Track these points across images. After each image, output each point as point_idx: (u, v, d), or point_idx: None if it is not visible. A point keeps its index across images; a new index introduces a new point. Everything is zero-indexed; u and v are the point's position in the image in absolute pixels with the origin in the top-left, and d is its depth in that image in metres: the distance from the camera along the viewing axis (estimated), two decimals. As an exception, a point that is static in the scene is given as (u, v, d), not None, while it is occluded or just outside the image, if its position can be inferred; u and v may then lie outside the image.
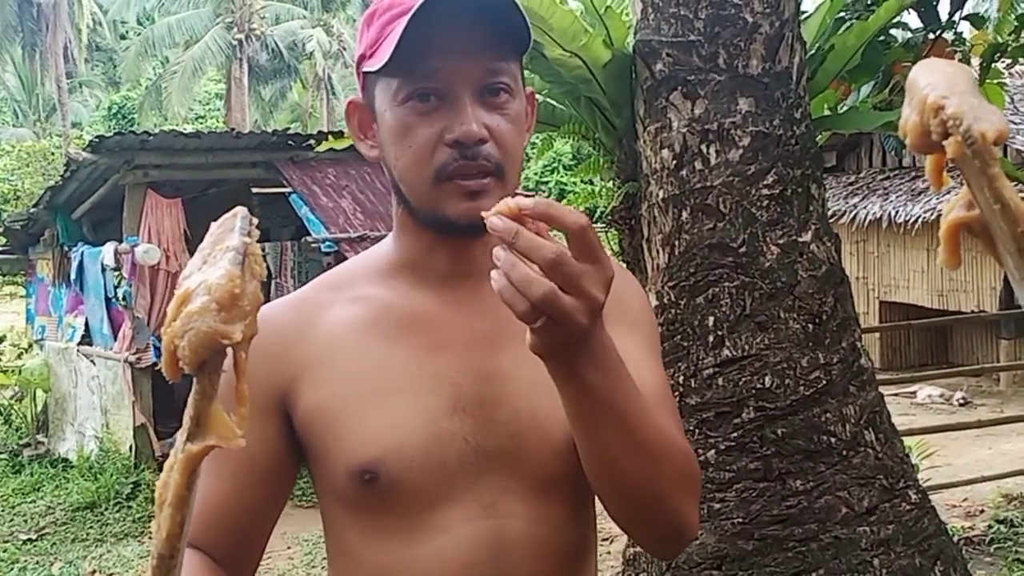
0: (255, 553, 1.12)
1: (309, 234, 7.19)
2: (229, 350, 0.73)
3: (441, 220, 1.04)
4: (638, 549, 2.76)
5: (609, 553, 5.31)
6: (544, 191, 28.91)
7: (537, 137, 3.49)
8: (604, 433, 0.93)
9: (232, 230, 0.76)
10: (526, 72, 3.05)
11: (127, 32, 41.49)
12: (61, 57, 32.65)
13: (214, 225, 0.78)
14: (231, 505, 1.07)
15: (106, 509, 6.82)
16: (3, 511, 7.15)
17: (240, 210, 0.79)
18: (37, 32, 32.83)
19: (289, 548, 5.80)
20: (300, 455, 1.11)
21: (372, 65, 1.04)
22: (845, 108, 3.53)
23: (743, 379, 2.57)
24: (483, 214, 0.84)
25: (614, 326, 1.07)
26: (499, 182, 1.03)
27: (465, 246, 1.09)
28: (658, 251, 2.74)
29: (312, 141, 7.50)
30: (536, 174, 31.71)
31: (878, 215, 9.97)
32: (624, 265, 3.12)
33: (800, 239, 2.63)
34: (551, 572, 1.07)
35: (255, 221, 0.80)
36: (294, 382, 1.08)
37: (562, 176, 31.67)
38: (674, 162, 2.68)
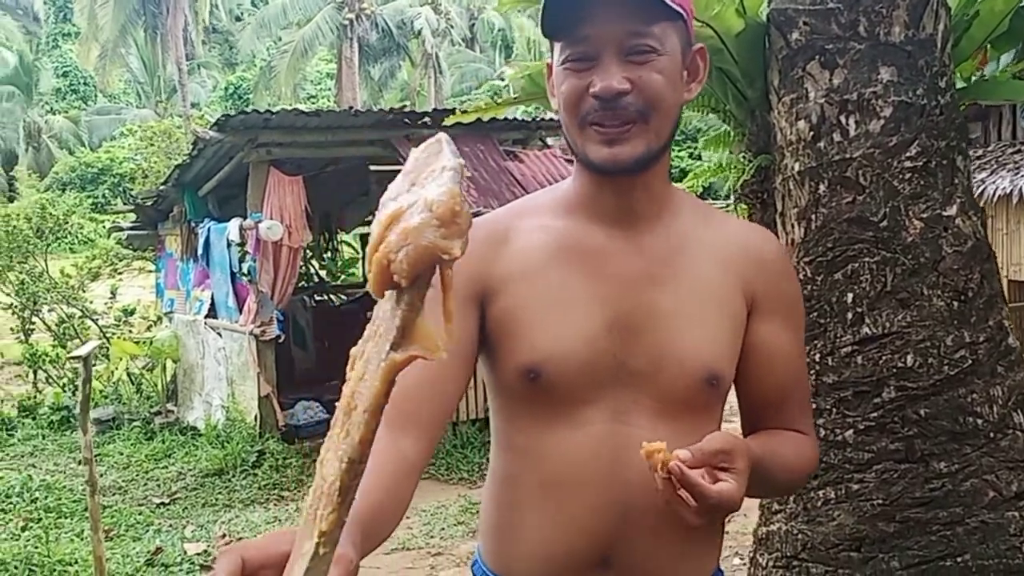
0: (443, 424, 1.29)
1: (425, 210, 7.26)
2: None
3: (587, 162, 1.25)
4: (771, 528, 2.72)
5: (728, 533, 5.27)
6: (652, 166, 28.50)
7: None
8: (763, 497, 1.23)
9: (440, 153, 0.78)
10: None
11: (242, 14, 42.65)
12: (181, 39, 33.80)
13: (416, 151, 0.80)
14: (432, 380, 1.25)
15: (233, 476, 7.09)
16: (137, 475, 7.51)
17: (443, 136, 0.80)
18: (158, 15, 34.06)
19: (408, 518, 5.93)
20: (481, 345, 1.33)
21: (542, 32, 1.24)
22: (981, 77, 3.37)
23: (883, 357, 2.49)
24: (661, 468, 1.13)
25: (770, 316, 1.31)
26: (643, 126, 1.20)
27: (625, 186, 1.27)
28: (793, 225, 2.68)
29: (427, 119, 7.59)
30: (643, 149, 31.27)
31: (1008, 190, 9.51)
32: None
33: (945, 213, 2.54)
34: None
35: None
36: (492, 287, 1.29)
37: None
38: (811, 134, 2.61)
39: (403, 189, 0.76)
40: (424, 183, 0.74)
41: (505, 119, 7.85)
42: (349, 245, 11.82)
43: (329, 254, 11.06)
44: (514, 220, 1.35)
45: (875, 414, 2.49)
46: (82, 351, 4.66)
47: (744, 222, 1.44)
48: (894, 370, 2.47)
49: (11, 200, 21.72)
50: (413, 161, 0.79)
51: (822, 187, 2.60)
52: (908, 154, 2.53)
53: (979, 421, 2.45)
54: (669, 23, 1.22)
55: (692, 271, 1.28)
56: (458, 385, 1.29)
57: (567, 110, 1.23)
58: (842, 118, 2.57)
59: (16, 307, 10.50)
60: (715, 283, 1.28)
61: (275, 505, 6.58)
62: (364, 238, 10.27)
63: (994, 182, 9.73)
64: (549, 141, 8.49)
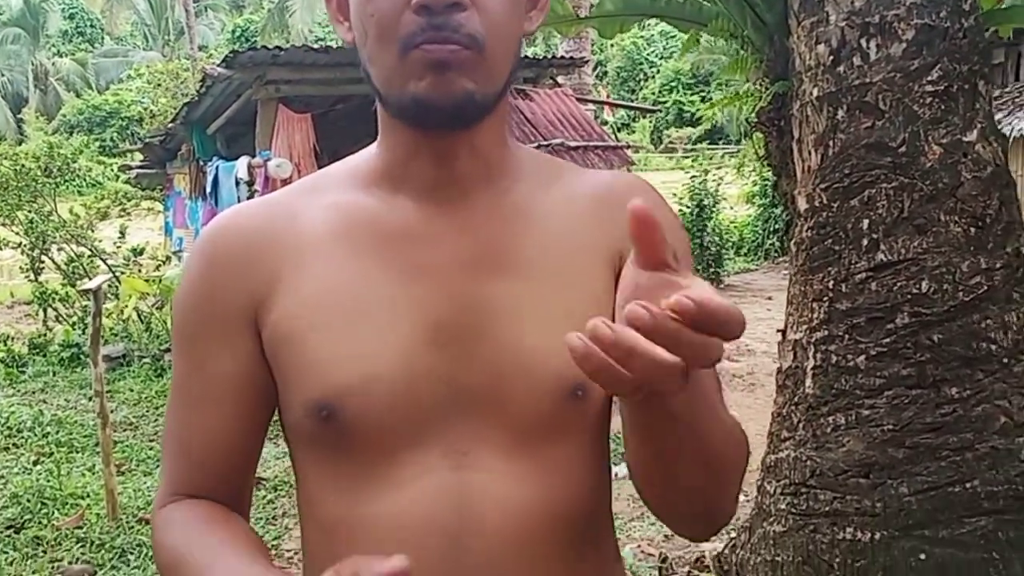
0: (248, 487, 1.02)
1: (434, 148, 7.23)
2: None
3: (408, 102, 0.88)
4: (779, 455, 2.73)
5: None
6: (662, 111, 28.29)
7: (681, 37, 3.39)
8: (673, 456, 0.80)
9: None
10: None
11: (250, -46, 42.14)
12: (188, -20, 33.36)
13: None
14: (220, 441, 0.96)
15: (243, 410, 7.12)
16: (148, 412, 7.54)
17: None
18: (165, -44, 33.62)
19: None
20: None
21: None
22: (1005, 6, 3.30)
23: (898, 284, 2.48)
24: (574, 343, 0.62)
25: None
26: (476, 55, 0.86)
27: (450, 145, 0.93)
28: (810, 152, 2.64)
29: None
30: (654, 93, 31.10)
31: (1025, 133, 9.40)
32: (770, 170, 3.04)
33: (965, 139, 2.50)
34: (528, 542, 0.90)
35: None
36: (264, 294, 0.94)
37: (681, 95, 30.99)
38: (830, 58, 2.56)
39: None
40: None
41: (516, 57, 7.76)
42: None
43: (338, 193, 11.06)
44: (297, 198, 0.99)
45: (888, 340, 2.48)
46: (92, 284, 4.67)
47: (604, 172, 1.07)
48: (908, 296, 2.46)
49: (20, 143, 21.71)
50: None
51: (840, 112, 2.56)
52: (929, 78, 2.48)
53: (993, 347, 2.44)
54: None
55: (536, 248, 0.94)
56: (257, 437, 0.98)
57: (380, 36, 0.87)
58: (863, 41, 2.53)
59: (25, 246, 10.52)
60: (567, 258, 0.95)
61: (284, 442, 6.61)
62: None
63: (1011, 123, 9.61)
64: (560, 80, 8.39)
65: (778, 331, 2.89)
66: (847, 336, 2.54)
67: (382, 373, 0.89)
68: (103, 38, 40.60)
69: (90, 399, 7.00)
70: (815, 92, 2.62)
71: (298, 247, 0.94)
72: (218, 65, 7.45)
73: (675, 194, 13.62)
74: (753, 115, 2.97)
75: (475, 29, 0.85)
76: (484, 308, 0.91)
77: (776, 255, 13.50)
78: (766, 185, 13.25)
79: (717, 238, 12.36)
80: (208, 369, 0.95)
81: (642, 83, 31.62)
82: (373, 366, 0.89)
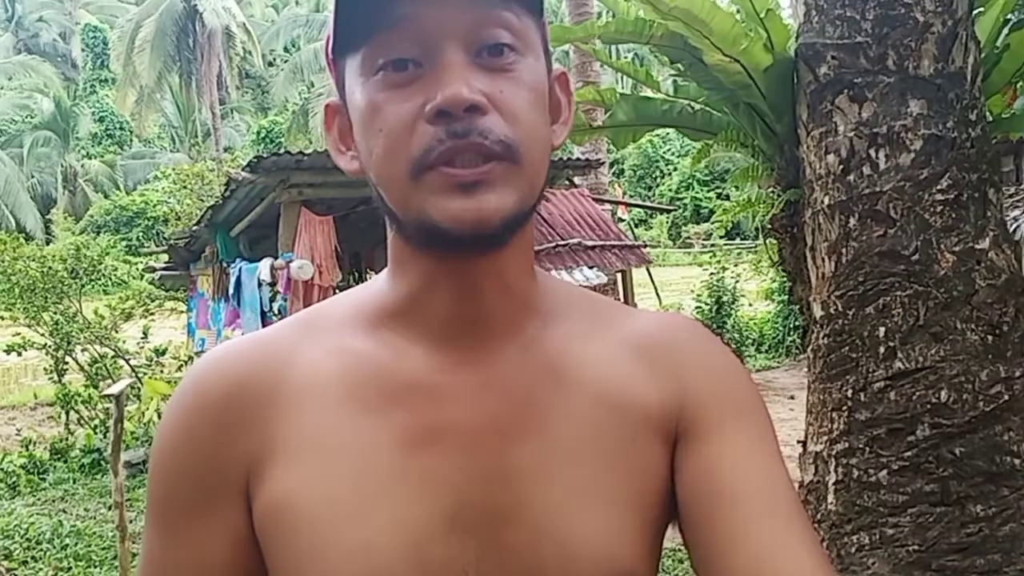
0: None
1: (453, 250, 7.30)
2: None
3: (428, 228, 0.74)
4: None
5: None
6: (679, 207, 28.54)
7: (692, 145, 3.43)
8: None
9: None
10: (683, 80, 3.03)
11: (275, 59, 43.48)
12: (215, 85, 34.43)
13: None
14: None
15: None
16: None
17: None
18: (193, 61, 34.75)
19: None
20: None
21: (334, 45, 0.79)
22: (1012, 113, 3.34)
23: (917, 393, 2.45)
24: None
25: (716, 427, 0.80)
26: (512, 165, 0.73)
27: (474, 274, 0.79)
28: (824, 259, 2.65)
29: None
30: (671, 190, 31.42)
31: (1044, 228, 9.39)
32: (784, 275, 3.04)
33: (977, 246, 2.50)
34: None
35: None
36: (256, 459, 0.79)
37: (697, 192, 31.30)
38: (840, 167, 2.59)
39: None
40: None
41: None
42: (378, 285, 11.91)
43: (358, 294, 11.14)
44: (296, 339, 0.84)
45: (909, 453, 2.43)
46: (114, 389, 4.68)
47: (649, 314, 0.91)
48: (928, 406, 2.43)
49: (47, 243, 22.17)
50: None
51: (852, 220, 2.57)
52: (939, 187, 2.50)
53: (1017, 461, 2.39)
54: (528, 14, 0.77)
55: (573, 411, 0.80)
56: None
57: (395, 150, 0.74)
58: (872, 151, 2.56)
59: (50, 347, 10.61)
60: (610, 422, 0.80)
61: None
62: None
63: (1028, 221, 9.61)
64: (576, 180, 8.51)
65: (798, 442, 2.85)
66: (868, 449, 2.50)
67: (390, 569, 0.74)
68: (131, 140, 41.68)
69: (110, 508, 6.94)
70: (826, 200, 2.63)
71: (294, 403, 0.79)
72: (242, 169, 7.61)
73: (693, 290, 13.63)
74: (766, 222, 2.99)
75: (504, 133, 0.73)
76: (514, 483, 0.76)
77: (797, 351, 13.41)
78: (784, 281, 13.27)
79: (737, 335, 12.32)
80: (191, 550, 0.79)
81: (659, 180, 31.97)
82: (379, 561, 0.74)
